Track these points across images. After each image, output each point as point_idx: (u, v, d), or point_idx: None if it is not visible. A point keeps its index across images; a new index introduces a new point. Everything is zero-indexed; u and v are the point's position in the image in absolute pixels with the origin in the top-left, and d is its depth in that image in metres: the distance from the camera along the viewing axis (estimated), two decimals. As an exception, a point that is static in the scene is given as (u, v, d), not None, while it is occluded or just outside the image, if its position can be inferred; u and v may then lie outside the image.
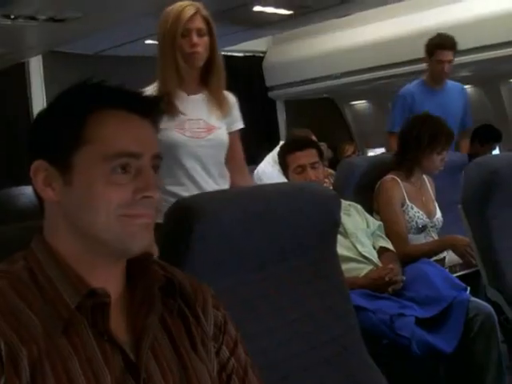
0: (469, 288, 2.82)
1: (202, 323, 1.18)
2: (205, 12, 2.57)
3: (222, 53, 6.60)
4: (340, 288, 1.77)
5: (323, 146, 5.44)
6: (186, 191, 2.50)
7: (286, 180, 3.03)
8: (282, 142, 3.52)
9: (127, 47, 5.37)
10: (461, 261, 3.06)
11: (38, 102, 5.54)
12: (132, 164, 1.07)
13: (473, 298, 2.78)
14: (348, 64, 5.94)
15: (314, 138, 4.32)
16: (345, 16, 5.17)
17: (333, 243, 1.80)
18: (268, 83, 6.95)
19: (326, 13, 4.76)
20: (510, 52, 4.81)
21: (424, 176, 3.32)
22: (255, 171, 3.65)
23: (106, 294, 1.05)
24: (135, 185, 1.07)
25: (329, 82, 6.31)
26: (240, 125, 2.80)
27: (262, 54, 6.88)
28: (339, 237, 2.78)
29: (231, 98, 2.75)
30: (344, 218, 2.91)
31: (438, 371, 2.75)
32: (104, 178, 1.05)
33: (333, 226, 1.78)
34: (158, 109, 1.15)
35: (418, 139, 3.16)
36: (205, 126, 2.61)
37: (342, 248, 2.76)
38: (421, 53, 4.44)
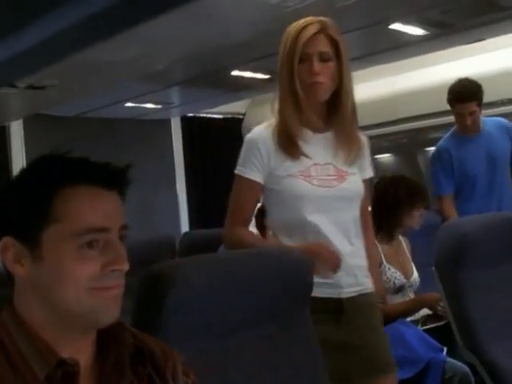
0: (445, 348, 2.85)
1: None
2: (333, 30, 2.05)
3: (202, 115, 6.73)
4: (313, 352, 1.77)
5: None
6: None
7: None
8: (259, 205, 3.54)
9: (108, 109, 5.43)
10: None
11: (18, 164, 5.55)
12: (100, 238, 1.08)
13: (449, 359, 2.79)
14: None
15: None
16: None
17: (306, 307, 1.81)
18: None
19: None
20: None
21: (400, 237, 3.36)
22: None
23: (76, 363, 1.06)
24: (104, 259, 1.08)
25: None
26: (371, 172, 2.28)
27: (241, 116, 6.97)
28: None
29: (363, 138, 2.23)
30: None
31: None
32: (73, 254, 1.06)
33: (306, 290, 1.80)
34: (124, 179, 1.16)
35: (396, 198, 3.23)
36: (335, 173, 2.10)
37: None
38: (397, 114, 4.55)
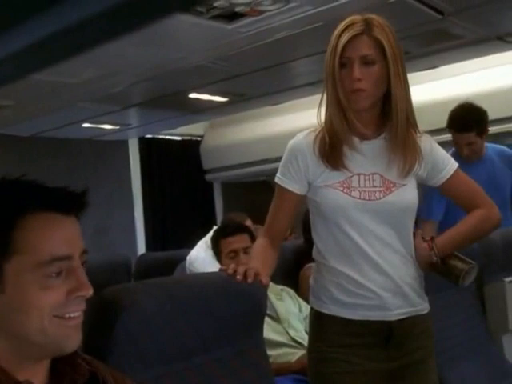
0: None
1: None
2: (379, 29, 1.85)
3: (160, 136, 6.72)
4: (266, 377, 1.78)
5: (259, 228, 5.51)
6: (360, 273, 1.89)
7: (218, 265, 3.05)
8: (215, 227, 3.54)
9: (64, 130, 5.39)
10: None
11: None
12: (63, 266, 1.07)
13: None
14: (284, 148, 6.07)
15: (249, 222, 4.36)
16: (278, 104, 5.34)
17: (260, 333, 1.82)
18: (205, 166, 7.03)
19: (259, 101, 4.91)
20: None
21: None
22: (188, 256, 3.65)
23: None
24: (68, 286, 1.07)
25: (266, 166, 6.42)
26: (453, 166, 2.03)
27: (199, 138, 6.98)
28: (271, 322, 2.82)
29: (425, 142, 2.00)
30: (276, 303, 2.93)
31: None
32: (37, 284, 1.05)
33: (259, 316, 1.81)
34: (82, 203, 1.14)
35: None
36: (382, 184, 1.92)
37: (274, 333, 2.78)
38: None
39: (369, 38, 1.84)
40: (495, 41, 3.56)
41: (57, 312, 1.06)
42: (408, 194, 1.95)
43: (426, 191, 3.89)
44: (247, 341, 1.74)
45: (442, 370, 2.26)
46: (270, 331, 2.69)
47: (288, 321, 2.87)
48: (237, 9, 2.67)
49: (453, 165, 2.02)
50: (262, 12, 2.72)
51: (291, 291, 3.09)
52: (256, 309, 1.77)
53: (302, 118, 5.88)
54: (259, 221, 5.56)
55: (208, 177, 7.09)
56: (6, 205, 1.08)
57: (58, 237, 1.08)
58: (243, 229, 3.16)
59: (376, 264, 1.88)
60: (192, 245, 3.83)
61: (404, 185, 1.94)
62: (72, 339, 1.09)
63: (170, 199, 6.70)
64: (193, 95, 4.49)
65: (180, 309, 1.54)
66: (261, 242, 2.04)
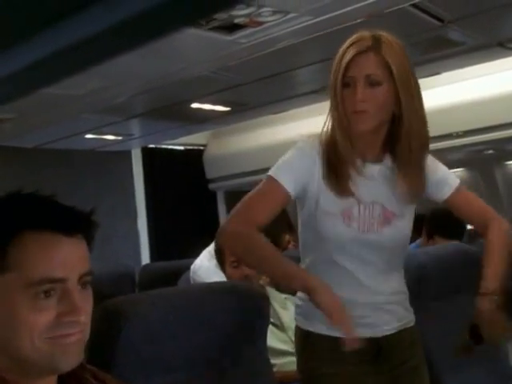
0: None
1: None
2: (387, 48, 1.72)
3: (163, 146, 6.72)
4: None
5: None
6: (350, 294, 1.81)
7: (222, 274, 3.05)
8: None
9: (67, 141, 5.40)
10: None
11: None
12: (56, 288, 1.05)
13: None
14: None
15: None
16: (280, 112, 5.34)
17: (263, 341, 1.82)
18: (208, 175, 7.03)
19: (262, 109, 4.92)
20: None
21: None
22: (192, 266, 3.65)
23: None
24: (59, 308, 1.05)
25: (269, 175, 6.42)
26: (455, 180, 1.96)
27: (202, 147, 6.99)
28: (276, 330, 2.82)
29: (431, 165, 1.91)
30: (280, 312, 2.93)
31: None
32: (27, 304, 1.03)
33: (262, 325, 1.81)
34: (89, 224, 1.11)
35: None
36: (381, 215, 1.83)
37: (279, 342, 2.78)
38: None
39: (376, 56, 1.72)
40: (496, 47, 3.56)
41: (48, 334, 1.04)
42: (405, 227, 1.90)
43: None
44: (251, 349, 1.74)
45: (445, 377, 2.26)
46: (274, 340, 2.69)
47: (292, 329, 2.86)
48: (236, 20, 2.68)
49: (455, 179, 1.96)
50: (261, 23, 2.73)
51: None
52: (259, 318, 1.77)
53: (304, 125, 5.89)
54: (262, 229, 5.57)
55: (211, 186, 7.09)
56: (4, 221, 1.06)
57: (53, 258, 1.05)
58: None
59: (368, 287, 1.85)
60: (196, 254, 3.83)
61: (403, 216, 1.87)
62: (68, 357, 1.06)
63: (174, 209, 6.70)
64: (195, 105, 4.50)
65: (183, 319, 1.54)
66: (262, 235, 1.83)
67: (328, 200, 1.82)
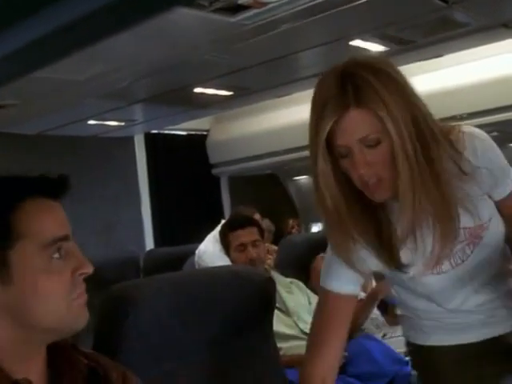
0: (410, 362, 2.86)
1: None
2: (368, 89, 1.31)
3: (166, 131, 6.72)
4: (277, 369, 1.78)
5: (266, 221, 5.52)
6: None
7: (227, 258, 3.05)
8: (223, 221, 3.55)
9: (70, 127, 5.39)
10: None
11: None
12: (63, 247, 1.08)
13: (414, 372, 2.81)
14: (291, 141, 6.06)
15: (257, 216, 4.36)
16: (283, 96, 5.32)
17: (269, 326, 1.82)
18: (212, 160, 7.03)
19: (265, 93, 4.90)
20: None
21: None
22: (196, 251, 3.66)
23: (30, 382, 1.05)
24: (71, 266, 1.08)
25: (272, 159, 6.41)
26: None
27: (205, 132, 6.98)
28: (281, 315, 2.82)
29: (468, 142, 1.45)
30: (285, 296, 2.94)
31: None
32: (44, 269, 1.05)
33: (268, 309, 1.80)
34: (66, 188, 1.16)
35: None
36: (465, 235, 1.53)
37: (284, 326, 2.78)
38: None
39: (361, 113, 1.32)
40: (500, 28, 3.53)
41: (66, 294, 1.07)
42: (498, 227, 1.56)
43: None
44: (257, 334, 1.74)
45: None
46: (280, 324, 2.70)
47: (298, 314, 2.87)
48: (240, 1, 2.66)
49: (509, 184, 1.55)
50: (265, 3, 2.70)
51: (300, 284, 3.09)
52: (265, 302, 1.77)
53: (308, 109, 5.90)
54: (267, 214, 5.57)
55: (215, 171, 7.09)
56: (2, 194, 1.09)
57: (53, 219, 1.10)
58: (252, 222, 3.16)
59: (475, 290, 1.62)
60: (200, 239, 3.84)
61: (490, 219, 1.53)
62: (82, 317, 1.10)
63: (177, 194, 6.70)
64: (198, 90, 4.48)
65: (189, 304, 1.54)
66: None
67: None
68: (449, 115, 4.90)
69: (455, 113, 4.89)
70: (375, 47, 3.71)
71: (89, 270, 1.10)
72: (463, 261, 1.53)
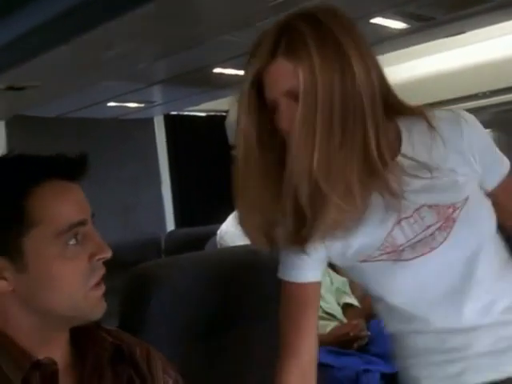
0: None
1: None
2: (303, 36, 1.23)
3: (185, 113, 6.69)
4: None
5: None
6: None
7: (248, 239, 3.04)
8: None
9: (90, 110, 5.40)
10: None
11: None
12: (79, 232, 1.06)
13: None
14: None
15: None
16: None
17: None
18: (231, 141, 6.99)
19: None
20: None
21: None
22: (218, 231, 3.65)
23: (53, 362, 1.04)
24: (88, 251, 1.06)
25: (291, 138, 6.38)
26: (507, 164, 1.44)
27: (224, 113, 6.95)
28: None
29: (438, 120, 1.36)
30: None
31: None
32: (60, 256, 1.03)
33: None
34: (84, 169, 1.12)
35: None
36: (436, 218, 1.33)
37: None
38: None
39: (286, 63, 1.24)
40: (526, 3, 3.47)
41: (84, 281, 1.05)
42: (481, 205, 1.37)
43: None
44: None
45: None
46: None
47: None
48: (261, -22, 2.62)
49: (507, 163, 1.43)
50: (287, -19, 2.66)
51: (322, 263, 3.08)
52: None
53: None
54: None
55: (234, 152, 7.06)
56: (16, 177, 1.05)
57: (70, 203, 1.07)
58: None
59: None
60: (221, 220, 3.83)
61: (466, 198, 1.33)
62: (100, 307, 1.08)
63: (198, 175, 6.70)
64: (217, 70, 4.46)
65: (211, 284, 1.53)
66: None
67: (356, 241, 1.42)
68: (471, 93, 4.85)
69: (477, 90, 4.83)
70: (396, 24, 3.66)
71: (107, 254, 1.08)
72: (432, 248, 1.31)
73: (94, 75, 3.95)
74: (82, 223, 1.06)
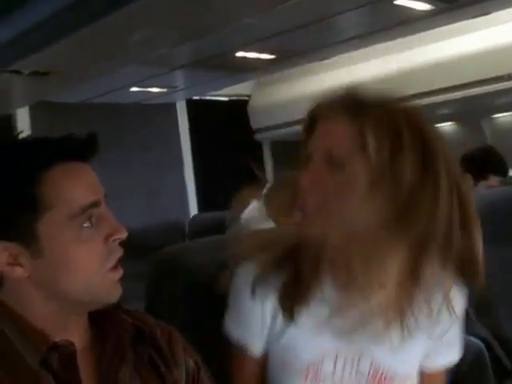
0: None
1: (174, 371, 1.16)
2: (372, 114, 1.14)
3: (207, 97, 6.69)
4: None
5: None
6: None
7: (271, 222, 3.03)
8: (268, 185, 3.53)
9: (113, 95, 5.42)
10: None
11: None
12: (93, 214, 1.04)
13: (463, 335, 2.77)
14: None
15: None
16: (326, 59, 5.24)
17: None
18: (254, 126, 6.99)
19: (307, 56, 4.83)
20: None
21: None
22: (241, 215, 3.65)
23: (70, 343, 1.04)
24: (103, 233, 1.05)
25: (315, 123, 6.35)
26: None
27: (246, 98, 6.94)
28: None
29: None
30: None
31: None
32: (75, 239, 1.02)
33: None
34: (94, 149, 1.09)
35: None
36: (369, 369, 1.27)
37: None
38: (402, 92, 4.48)
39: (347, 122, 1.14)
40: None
41: (100, 263, 1.04)
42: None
43: None
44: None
45: (507, 323, 2.21)
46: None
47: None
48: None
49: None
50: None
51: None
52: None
53: (349, 72, 5.80)
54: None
55: (257, 136, 7.05)
56: (25, 163, 1.03)
57: (83, 185, 1.05)
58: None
59: None
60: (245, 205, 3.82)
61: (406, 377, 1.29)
62: (114, 293, 1.07)
63: (220, 160, 6.70)
64: (239, 54, 4.44)
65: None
66: None
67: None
68: (495, 75, 4.79)
69: (503, 72, 4.77)
70: (420, 5, 3.62)
71: (123, 234, 1.06)
72: None
73: (116, 60, 3.95)
74: (95, 204, 1.04)
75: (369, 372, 1.23)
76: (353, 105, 1.14)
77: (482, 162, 3.54)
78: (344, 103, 1.15)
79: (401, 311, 1.18)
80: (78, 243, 1.02)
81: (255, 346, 1.28)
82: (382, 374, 1.24)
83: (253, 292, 1.23)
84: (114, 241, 1.06)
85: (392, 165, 1.09)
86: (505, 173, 3.57)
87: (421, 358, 1.30)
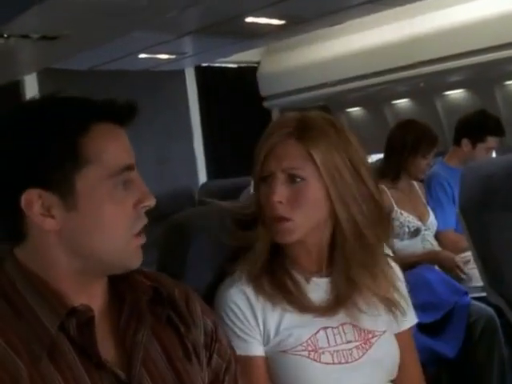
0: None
1: (193, 331, 1.17)
2: (317, 132, 1.42)
3: (216, 64, 6.66)
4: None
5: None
6: None
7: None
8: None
9: (121, 62, 5.39)
10: None
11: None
12: (127, 177, 1.05)
13: (474, 302, 2.78)
14: (343, 71, 5.95)
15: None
16: (336, 25, 5.18)
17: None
18: (263, 93, 6.95)
19: (317, 22, 4.77)
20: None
21: (413, 181, 3.33)
22: (252, 182, 3.65)
23: (89, 308, 1.03)
24: (134, 198, 1.06)
25: (325, 90, 6.29)
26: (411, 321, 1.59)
27: (255, 65, 6.88)
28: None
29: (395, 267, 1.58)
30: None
31: (441, 378, 2.74)
32: (109, 198, 1.03)
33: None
34: (132, 114, 1.10)
35: (402, 143, 3.19)
36: (356, 337, 1.43)
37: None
38: (414, 58, 4.46)
39: (297, 145, 1.38)
40: None
41: (128, 227, 1.05)
42: (392, 345, 1.48)
43: (436, 203, 3.50)
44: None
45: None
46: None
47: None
48: None
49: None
50: None
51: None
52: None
53: (360, 38, 5.75)
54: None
55: (266, 104, 7.02)
56: (73, 115, 1.05)
57: (121, 146, 1.07)
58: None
59: None
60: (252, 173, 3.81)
61: (384, 332, 1.46)
62: (135, 258, 1.08)
63: (229, 128, 6.68)
64: (249, 19, 4.39)
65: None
66: None
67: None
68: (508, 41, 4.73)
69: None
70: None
71: (151, 202, 1.07)
72: (347, 362, 1.40)
73: (124, 24, 3.91)
74: (130, 167, 1.06)
75: (354, 336, 1.44)
76: (300, 131, 1.41)
77: (479, 124, 3.56)
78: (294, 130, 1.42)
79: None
80: (110, 203, 1.03)
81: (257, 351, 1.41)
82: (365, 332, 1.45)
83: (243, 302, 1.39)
84: (143, 207, 1.07)
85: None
86: (502, 132, 3.61)
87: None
